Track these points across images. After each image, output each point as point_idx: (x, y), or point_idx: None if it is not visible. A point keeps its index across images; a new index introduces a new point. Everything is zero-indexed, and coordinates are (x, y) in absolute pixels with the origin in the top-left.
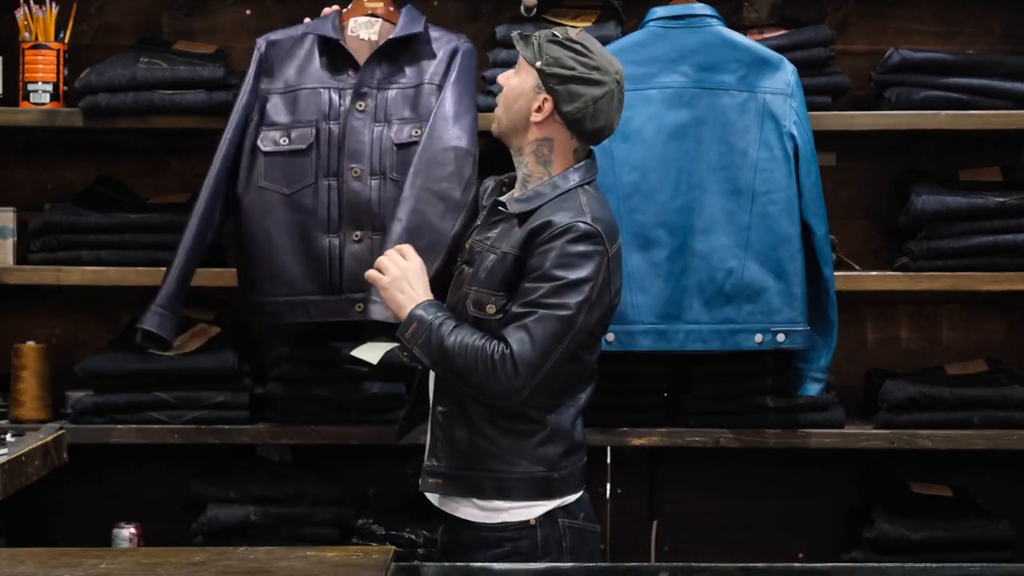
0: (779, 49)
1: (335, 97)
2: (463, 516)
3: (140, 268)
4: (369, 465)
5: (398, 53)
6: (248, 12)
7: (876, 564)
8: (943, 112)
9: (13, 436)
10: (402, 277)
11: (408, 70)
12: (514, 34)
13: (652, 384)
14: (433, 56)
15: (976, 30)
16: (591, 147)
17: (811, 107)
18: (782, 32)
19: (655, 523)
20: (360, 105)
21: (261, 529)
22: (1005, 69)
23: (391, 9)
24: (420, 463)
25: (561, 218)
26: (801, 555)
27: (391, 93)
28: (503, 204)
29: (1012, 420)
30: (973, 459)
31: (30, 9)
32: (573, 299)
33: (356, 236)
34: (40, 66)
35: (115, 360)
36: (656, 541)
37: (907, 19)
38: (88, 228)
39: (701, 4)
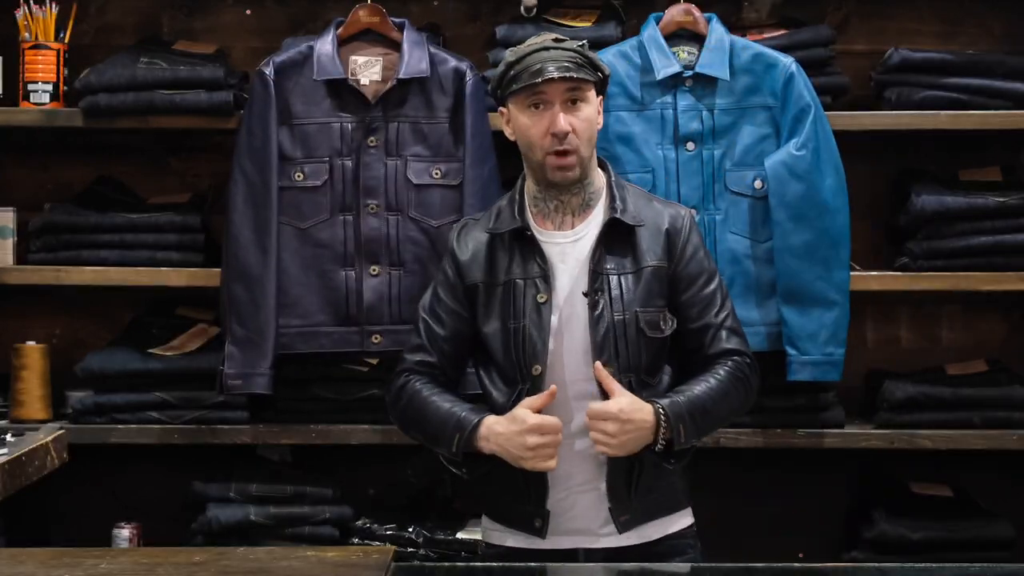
0: (779, 49)
1: (346, 131)
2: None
3: (140, 268)
4: (369, 465)
5: (405, 85)
6: (248, 12)
7: (876, 564)
8: (943, 112)
9: (13, 436)
10: (616, 434)
11: (415, 100)
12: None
13: None
14: (439, 85)
15: (976, 30)
16: None
17: None
18: (782, 32)
19: None
20: (372, 141)
21: (261, 529)
22: (1005, 69)
23: (388, 24)
24: (420, 463)
25: (668, 215)
26: (801, 555)
27: (400, 126)
28: (616, 223)
29: (1012, 420)
30: (973, 459)
31: (30, 9)
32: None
33: (374, 271)
34: (40, 66)
35: (115, 360)
36: None
37: (907, 19)
38: (88, 228)
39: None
